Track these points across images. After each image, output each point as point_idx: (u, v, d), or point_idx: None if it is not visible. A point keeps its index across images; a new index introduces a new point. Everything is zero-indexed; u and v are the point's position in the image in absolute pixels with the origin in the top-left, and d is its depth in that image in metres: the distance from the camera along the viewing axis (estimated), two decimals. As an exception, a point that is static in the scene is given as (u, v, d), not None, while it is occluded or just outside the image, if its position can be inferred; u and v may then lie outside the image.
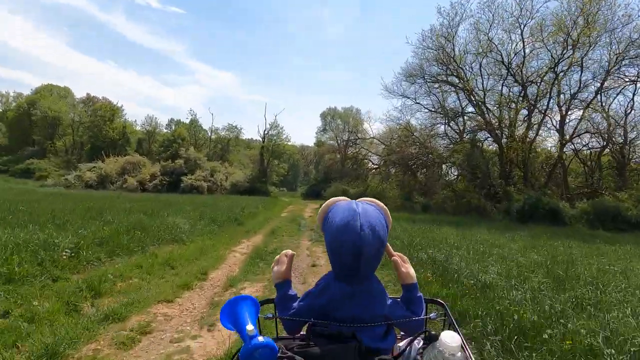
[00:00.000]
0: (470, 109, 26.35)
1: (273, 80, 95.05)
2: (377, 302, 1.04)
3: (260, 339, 0.78)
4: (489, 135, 25.02)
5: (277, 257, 1.20)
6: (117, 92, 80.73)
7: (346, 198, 1.10)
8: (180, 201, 18.08)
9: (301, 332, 1.12)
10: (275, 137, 39.29)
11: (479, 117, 24.90)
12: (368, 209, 1.02)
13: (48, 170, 36.58)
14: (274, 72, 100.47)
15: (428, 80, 26.07)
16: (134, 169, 36.73)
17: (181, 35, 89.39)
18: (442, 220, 16.39)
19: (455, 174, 28.99)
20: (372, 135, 33.70)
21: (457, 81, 25.48)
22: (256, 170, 39.53)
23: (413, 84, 26.66)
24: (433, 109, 28.11)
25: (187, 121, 47.04)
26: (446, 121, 27.94)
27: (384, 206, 1.09)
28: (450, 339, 0.81)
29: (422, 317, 1.08)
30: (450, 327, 1.10)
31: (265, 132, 39.75)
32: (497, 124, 23.81)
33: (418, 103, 28.29)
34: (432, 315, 1.11)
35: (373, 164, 34.45)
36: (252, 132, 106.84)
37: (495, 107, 24.42)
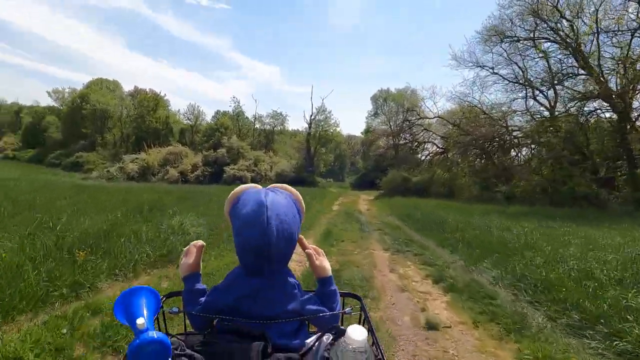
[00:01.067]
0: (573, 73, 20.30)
1: (319, 70, 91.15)
2: (289, 297, 0.96)
3: (152, 334, 0.68)
4: (597, 107, 19.02)
5: (186, 248, 1.10)
6: (167, 88, 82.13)
7: (257, 186, 1.02)
8: (214, 192, 14.81)
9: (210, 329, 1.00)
10: (322, 123, 35.45)
11: (589, 83, 18.90)
12: (277, 199, 0.95)
13: (95, 163, 36.21)
14: (319, 64, 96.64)
15: (520, 39, 20.40)
16: (175, 159, 35.10)
17: (227, 30, 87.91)
18: (548, 214, 11.55)
19: (544, 156, 23.07)
20: (436, 115, 28.30)
21: (560, 38, 19.61)
22: (302, 159, 36.07)
23: (498, 45, 21.14)
24: (515, 80, 22.41)
25: (230, 109, 44.61)
26: (531, 94, 22.15)
27: (297, 193, 1.04)
28: (356, 333, 0.77)
29: (336, 312, 1.02)
30: (365, 322, 1.04)
31: (312, 117, 36.06)
32: (619, 89, 17.72)
33: (496, 73, 22.82)
34: (347, 309, 1.05)
35: (438, 147, 29.19)
36: (297, 123, 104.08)
37: (615, 68, 18.25)
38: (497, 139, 22.95)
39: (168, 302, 1.08)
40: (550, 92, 21.50)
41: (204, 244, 1.11)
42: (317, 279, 1.08)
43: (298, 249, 1.02)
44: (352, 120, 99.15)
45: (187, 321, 1.07)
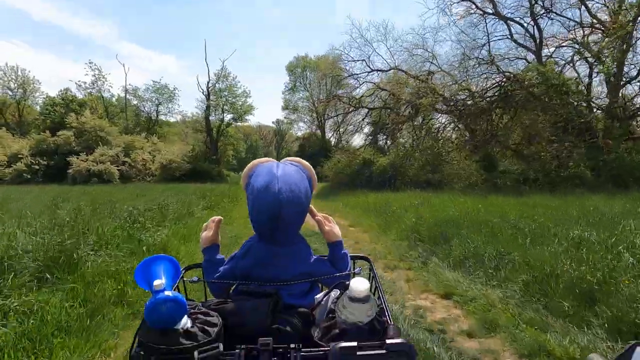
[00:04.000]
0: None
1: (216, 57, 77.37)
2: (301, 261, 1.03)
3: (168, 293, 0.73)
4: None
5: (205, 223, 1.17)
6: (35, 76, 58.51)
7: (270, 159, 1.07)
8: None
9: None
10: (226, 92, 25.30)
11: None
12: (289, 170, 1.00)
13: None
14: (217, 51, 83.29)
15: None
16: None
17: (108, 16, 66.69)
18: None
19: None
20: (393, 67, 20.17)
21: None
22: (201, 145, 25.57)
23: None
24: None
25: (88, 79, 30.78)
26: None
27: (309, 166, 1.07)
28: (357, 284, 0.81)
29: (346, 272, 1.07)
30: (373, 280, 1.09)
31: (210, 83, 25.58)
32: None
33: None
34: (356, 270, 1.11)
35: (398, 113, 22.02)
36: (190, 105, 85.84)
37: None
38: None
39: (188, 273, 1.12)
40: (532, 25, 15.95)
41: (222, 218, 1.16)
42: (328, 244, 1.13)
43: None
44: (263, 107, 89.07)
45: (208, 290, 1.13)
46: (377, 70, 18.01)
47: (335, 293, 0.93)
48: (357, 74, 17.93)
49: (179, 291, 0.97)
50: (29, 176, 21.56)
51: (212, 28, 68.22)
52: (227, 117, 25.97)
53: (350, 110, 19.03)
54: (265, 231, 0.98)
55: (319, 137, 38.54)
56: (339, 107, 20.45)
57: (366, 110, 19.66)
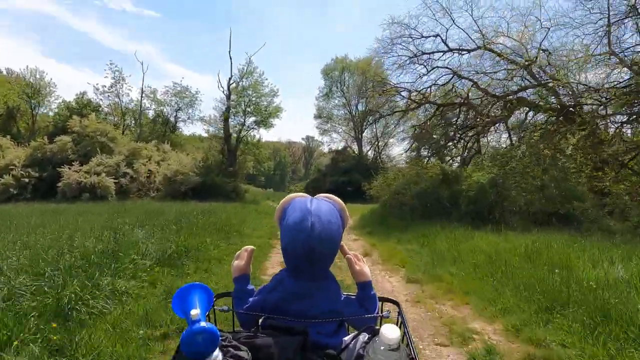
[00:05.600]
0: None
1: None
2: (330, 299, 1.03)
3: (203, 324, 0.76)
4: None
5: (238, 252, 1.17)
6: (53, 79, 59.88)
7: (304, 194, 1.07)
8: None
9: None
10: (250, 90, 20.88)
11: None
12: (322, 206, 1.00)
13: None
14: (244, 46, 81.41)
15: None
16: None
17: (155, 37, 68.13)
18: None
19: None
20: (475, 46, 14.17)
21: None
22: (216, 154, 21.23)
23: None
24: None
25: (107, 82, 27.96)
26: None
27: (341, 202, 1.06)
28: (390, 332, 0.80)
29: (374, 314, 1.08)
30: (402, 325, 1.07)
31: (231, 82, 21.36)
32: None
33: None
34: (384, 313, 1.10)
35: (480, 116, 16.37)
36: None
37: None
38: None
39: (218, 302, 1.12)
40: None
41: (254, 248, 1.18)
42: (357, 284, 1.11)
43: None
44: (293, 124, 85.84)
45: (236, 320, 1.14)
46: (459, 51, 12.62)
47: (363, 337, 0.93)
48: (428, 53, 12.63)
49: (209, 320, 0.99)
50: (15, 191, 18.06)
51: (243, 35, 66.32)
52: (249, 120, 21.48)
53: (412, 106, 13.64)
54: (296, 266, 0.99)
55: (354, 151, 33.57)
56: (392, 103, 15.09)
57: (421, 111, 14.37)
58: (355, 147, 33.83)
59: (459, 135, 13.10)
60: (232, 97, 21.14)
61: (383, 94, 13.59)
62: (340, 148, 34.72)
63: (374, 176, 14.92)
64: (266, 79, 21.11)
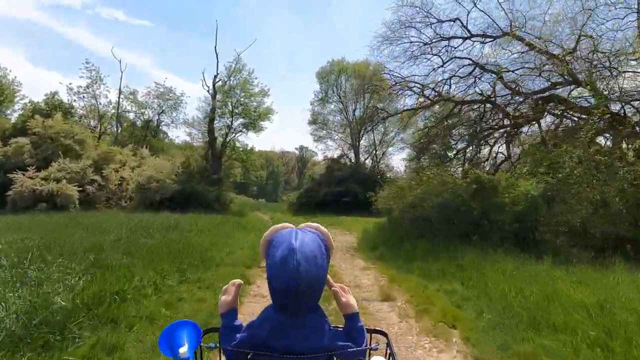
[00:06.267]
0: None
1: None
2: (318, 334, 1.01)
3: None
4: None
5: (225, 287, 1.14)
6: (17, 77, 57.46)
7: (289, 225, 1.06)
8: None
9: None
10: (238, 89, 18.66)
11: None
12: (307, 241, 0.99)
13: None
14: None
15: None
16: None
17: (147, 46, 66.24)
18: None
19: None
20: (501, 32, 11.92)
21: None
22: (198, 158, 18.90)
23: None
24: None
25: (83, 82, 25.52)
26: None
27: (326, 232, 1.06)
28: None
29: (363, 347, 1.05)
30: (390, 357, 1.10)
31: (217, 79, 19.17)
32: None
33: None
34: (373, 345, 1.09)
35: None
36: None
37: None
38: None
39: (206, 339, 1.11)
40: None
41: (242, 282, 1.16)
42: (344, 316, 1.11)
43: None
44: (286, 133, 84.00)
45: (223, 357, 1.11)
46: (482, 37, 10.62)
47: None
48: (447, 38, 10.59)
49: (196, 357, 1.02)
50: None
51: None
52: (237, 122, 19.20)
53: (425, 104, 11.57)
54: (282, 303, 0.98)
55: (351, 159, 31.49)
56: (399, 100, 12.99)
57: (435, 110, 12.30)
58: (351, 155, 31.76)
59: (482, 137, 11.02)
60: (218, 97, 18.91)
61: (390, 89, 11.49)
62: (336, 156, 32.62)
63: (381, 185, 12.73)
64: (256, 78, 19.05)
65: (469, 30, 10.55)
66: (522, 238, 6.34)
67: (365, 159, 31.98)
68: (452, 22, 10.65)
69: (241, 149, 19.95)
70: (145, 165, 17.15)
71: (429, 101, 11.49)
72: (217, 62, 19.01)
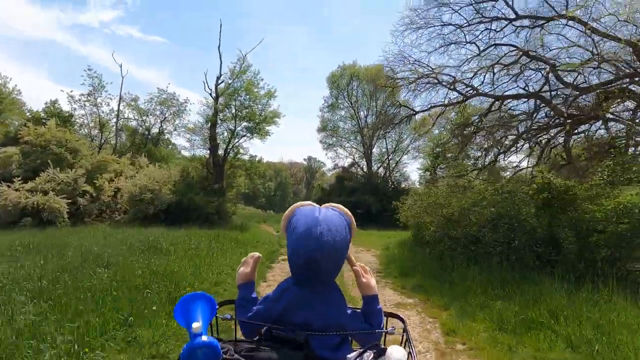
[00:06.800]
0: None
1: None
2: (334, 310, 1.01)
3: (204, 338, 0.75)
4: None
5: (244, 258, 1.14)
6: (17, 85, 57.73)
7: (312, 203, 1.06)
8: None
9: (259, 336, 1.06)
10: (242, 89, 17.19)
11: None
12: (331, 216, 0.99)
13: None
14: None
15: None
16: None
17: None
18: None
19: None
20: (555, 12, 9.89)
21: None
22: (198, 167, 17.39)
23: None
24: None
25: (85, 88, 24.53)
26: None
27: (349, 213, 1.05)
28: (396, 354, 0.78)
29: (379, 330, 1.05)
30: (407, 343, 1.06)
31: (220, 81, 17.77)
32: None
33: None
34: (389, 329, 1.08)
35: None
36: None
37: None
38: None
39: (222, 309, 1.12)
40: None
41: (261, 255, 1.15)
42: (363, 297, 1.09)
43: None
44: (294, 144, 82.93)
45: (238, 329, 1.10)
46: (534, 19, 8.83)
47: (368, 355, 0.93)
48: (489, 19, 8.85)
49: (211, 328, 1.02)
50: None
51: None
52: (241, 126, 17.65)
53: (457, 100, 9.82)
54: (302, 274, 0.97)
55: (362, 168, 29.73)
56: (423, 95, 11.21)
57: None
58: (363, 163, 30.02)
59: (531, 138, 9.18)
60: (221, 100, 17.46)
61: (415, 82, 9.77)
62: (346, 165, 30.92)
63: (401, 195, 10.91)
64: (262, 79, 17.56)
65: (515, 11, 8.82)
66: (629, 272, 4.49)
67: (378, 168, 30.23)
68: (494, 1, 8.95)
69: (245, 155, 18.36)
70: (148, 174, 15.64)
71: (461, 96, 9.74)
72: (221, 62, 17.55)
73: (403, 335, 1.09)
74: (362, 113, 29.03)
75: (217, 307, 0.93)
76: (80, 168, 16.11)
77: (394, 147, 29.56)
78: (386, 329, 1.08)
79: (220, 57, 17.74)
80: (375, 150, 29.80)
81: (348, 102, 28.77)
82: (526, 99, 9.14)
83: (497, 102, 9.59)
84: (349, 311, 1.03)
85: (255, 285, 1.12)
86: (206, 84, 17.61)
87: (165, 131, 25.68)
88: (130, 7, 56.44)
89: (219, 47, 17.83)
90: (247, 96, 17.46)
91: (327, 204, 1.06)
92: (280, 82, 70.56)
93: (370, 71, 27.08)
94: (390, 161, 29.75)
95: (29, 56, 49.71)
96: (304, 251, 0.92)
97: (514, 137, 8.98)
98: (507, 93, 9.72)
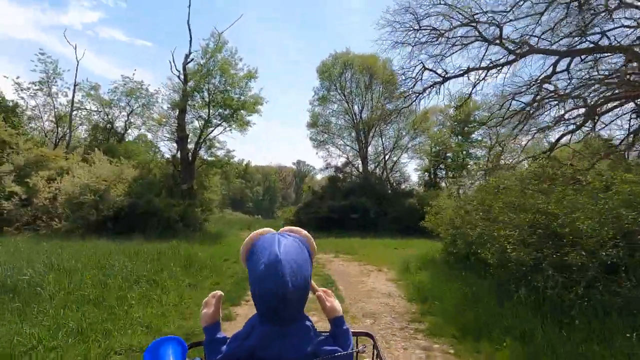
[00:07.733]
0: None
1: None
2: (305, 341, 0.98)
3: None
4: None
5: (205, 299, 1.11)
6: None
7: (270, 230, 1.02)
8: None
9: None
10: (216, 68, 14.09)
11: None
12: (290, 247, 0.95)
13: None
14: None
15: None
16: None
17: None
18: None
19: None
20: None
21: None
22: (162, 164, 14.21)
23: None
24: None
25: (37, 71, 20.95)
26: None
27: (308, 236, 1.02)
28: None
29: (350, 351, 1.03)
30: (378, 358, 1.11)
31: (189, 59, 14.66)
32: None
33: None
34: (360, 347, 1.09)
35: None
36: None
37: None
38: None
39: (191, 353, 1.08)
40: None
41: (222, 294, 1.11)
42: (329, 320, 1.09)
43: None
44: (282, 147, 79.61)
45: None
46: None
47: None
48: None
49: None
50: None
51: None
52: (215, 114, 14.51)
53: (507, 59, 7.02)
54: (268, 312, 0.94)
55: (357, 168, 26.90)
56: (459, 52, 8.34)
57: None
58: (358, 162, 27.20)
59: (597, 107, 6.44)
60: (191, 83, 14.35)
61: (449, 31, 6.93)
62: (340, 164, 28.05)
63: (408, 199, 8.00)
64: (240, 60, 14.56)
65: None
66: None
67: (375, 168, 27.47)
68: None
69: (221, 150, 15.21)
70: (84, 170, 12.33)
71: (514, 54, 6.95)
72: (190, 38, 14.40)
73: (374, 352, 1.15)
74: (356, 107, 26.27)
75: (187, 350, 0.92)
76: (7, 164, 12.72)
77: (392, 144, 26.89)
78: (357, 348, 1.07)
79: (190, 32, 14.67)
80: (370, 149, 27.09)
81: (341, 95, 25.96)
82: (609, 53, 6.40)
83: (562, 61, 6.83)
84: (318, 337, 0.99)
85: (220, 325, 1.08)
86: (173, 64, 14.49)
87: (133, 126, 22.37)
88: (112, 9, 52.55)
89: (187, 21, 14.77)
90: (223, 78, 14.38)
91: (284, 229, 1.02)
92: (268, 80, 67.50)
93: (365, 60, 24.39)
94: (388, 160, 27.07)
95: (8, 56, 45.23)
96: (267, 291, 0.87)
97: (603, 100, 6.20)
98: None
